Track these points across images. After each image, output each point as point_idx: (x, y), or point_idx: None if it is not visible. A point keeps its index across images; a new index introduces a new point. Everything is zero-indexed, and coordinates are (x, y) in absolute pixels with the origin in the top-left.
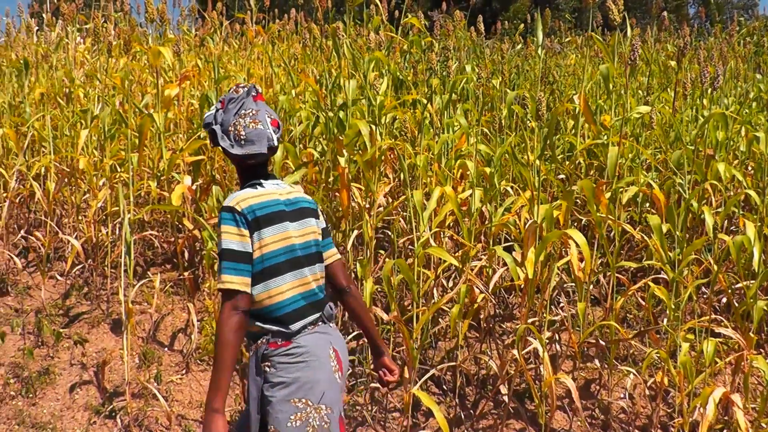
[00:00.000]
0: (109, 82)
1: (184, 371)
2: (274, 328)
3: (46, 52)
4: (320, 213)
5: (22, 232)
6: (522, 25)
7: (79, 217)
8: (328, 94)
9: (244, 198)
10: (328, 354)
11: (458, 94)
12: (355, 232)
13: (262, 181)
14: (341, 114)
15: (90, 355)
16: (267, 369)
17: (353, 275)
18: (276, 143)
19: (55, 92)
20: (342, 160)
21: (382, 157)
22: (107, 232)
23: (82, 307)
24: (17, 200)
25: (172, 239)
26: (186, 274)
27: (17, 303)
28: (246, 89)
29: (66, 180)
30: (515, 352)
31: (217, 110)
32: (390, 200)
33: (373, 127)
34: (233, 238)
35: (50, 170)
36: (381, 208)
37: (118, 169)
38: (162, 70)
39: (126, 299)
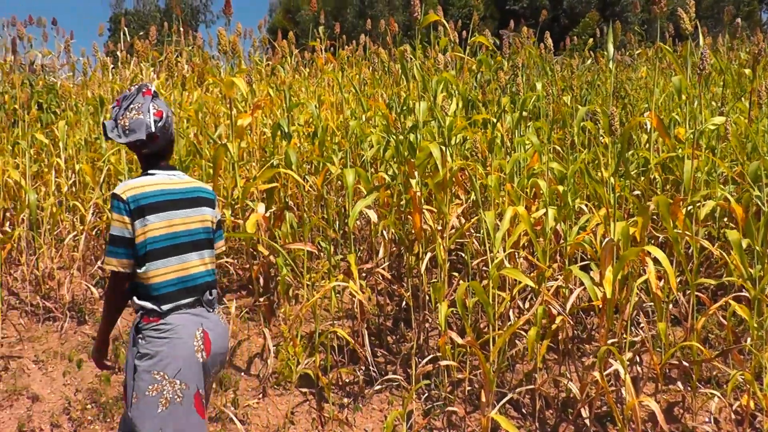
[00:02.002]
0: (183, 114)
1: (260, 396)
2: (149, 305)
3: (121, 89)
4: (216, 205)
5: (99, 263)
6: (591, 40)
7: None
8: (398, 117)
9: (132, 187)
10: (194, 334)
11: (529, 112)
12: (429, 254)
13: (155, 171)
14: (412, 137)
15: None
16: (139, 340)
17: (427, 298)
18: (155, 130)
19: None
20: (413, 183)
21: (453, 179)
22: None
23: None
24: (93, 232)
25: (247, 266)
26: (262, 299)
27: (94, 331)
28: (137, 87)
29: None
30: (596, 374)
31: (113, 107)
32: (462, 222)
33: (444, 148)
34: (116, 224)
35: None
36: (453, 230)
37: None
38: (235, 100)
39: None
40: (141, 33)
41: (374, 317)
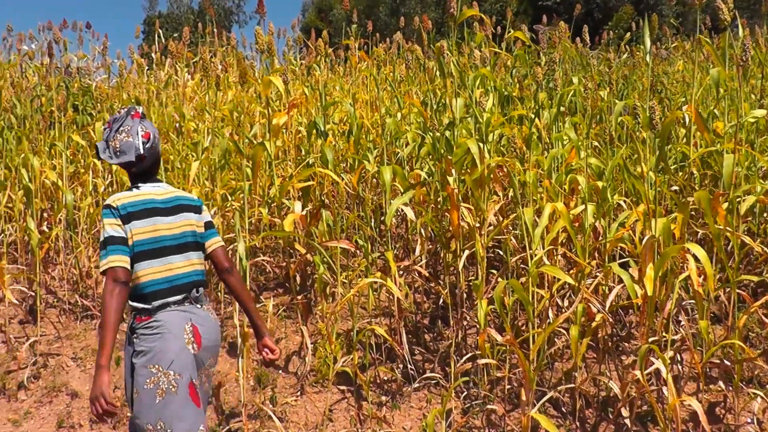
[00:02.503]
0: (218, 114)
1: (299, 393)
2: (140, 305)
3: (157, 90)
4: (204, 209)
5: None
6: (627, 34)
7: None
8: (433, 114)
9: (120, 198)
10: (183, 329)
11: (566, 107)
12: (466, 252)
13: (140, 184)
14: (448, 133)
15: None
16: (134, 340)
17: (464, 296)
18: (143, 151)
19: (165, 127)
20: (451, 180)
21: (491, 175)
22: None
23: None
24: None
25: (283, 264)
26: (299, 297)
27: None
28: (126, 110)
29: None
30: (637, 373)
31: (104, 129)
32: (500, 218)
33: (481, 144)
34: (111, 226)
35: None
36: (491, 227)
37: (229, 198)
38: (270, 99)
39: (242, 324)
40: (175, 35)
41: (411, 315)
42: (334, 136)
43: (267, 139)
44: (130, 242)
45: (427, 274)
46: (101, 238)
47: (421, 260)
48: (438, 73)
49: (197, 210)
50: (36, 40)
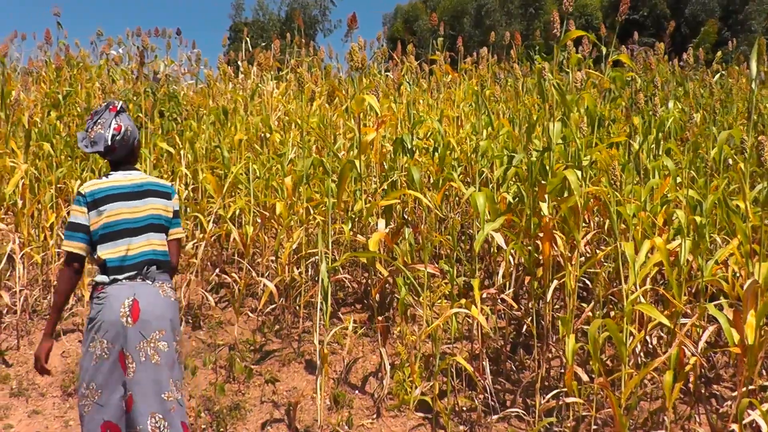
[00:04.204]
0: (305, 126)
1: (374, 416)
2: (98, 278)
3: (244, 100)
4: (174, 197)
5: (216, 270)
6: (719, 53)
7: (272, 258)
8: (524, 135)
9: (91, 185)
10: (123, 302)
11: (665, 133)
12: (555, 282)
13: (113, 172)
14: (541, 157)
15: (281, 394)
16: (92, 306)
17: (547, 329)
18: (110, 143)
19: (250, 137)
20: (544, 207)
21: (587, 204)
22: (300, 273)
23: (273, 345)
24: (212, 240)
25: (362, 280)
26: (379, 319)
27: (209, 338)
28: (106, 104)
29: (261, 222)
30: (734, 427)
31: (87, 120)
32: (591, 249)
33: (579, 172)
34: (75, 213)
35: (247, 213)
36: (583, 258)
37: (311, 212)
38: (362, 115)
39: (322, 344)
40: (263, 44)
41: (493, 341)
42: (418, 151)
43: (355, 155)
44: (95, 226)
45: (514, 304)
46: (67, 222)
47: (507, 288)
48: (537, 94)
49: (167, 196)
50: (124, 46)
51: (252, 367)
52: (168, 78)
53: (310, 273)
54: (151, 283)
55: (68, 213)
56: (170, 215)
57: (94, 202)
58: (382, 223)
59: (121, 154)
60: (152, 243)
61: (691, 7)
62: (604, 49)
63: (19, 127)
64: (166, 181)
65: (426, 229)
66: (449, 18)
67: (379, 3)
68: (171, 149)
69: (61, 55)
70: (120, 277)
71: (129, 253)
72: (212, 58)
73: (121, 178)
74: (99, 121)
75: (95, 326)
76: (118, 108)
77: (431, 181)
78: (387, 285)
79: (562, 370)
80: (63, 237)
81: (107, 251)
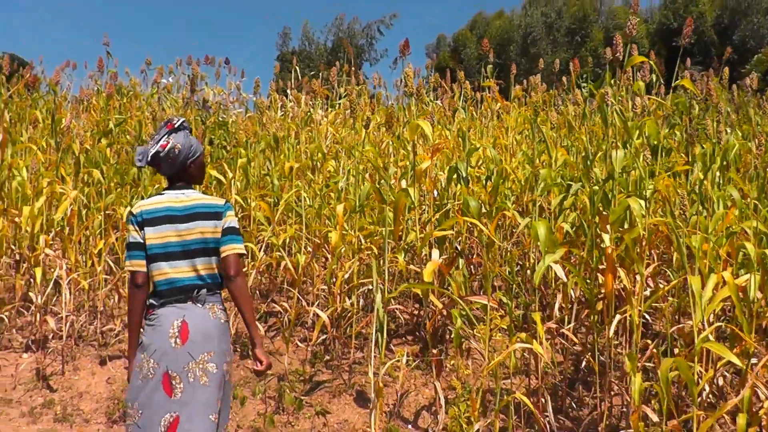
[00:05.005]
0: (358, 155)
1: None
2: (150, 300)
3: (296, 127)
4: (226, 215)
5: (268, 300)
6: None
7: (323, 287)
8: (581, 163)
9: (141, 204)
10: (172, 323)
11: (729, 162)
12: (617, 317)
13: (166, 191)
14: (603, 186)
15: (331, 426)
16: (144, 327)
17: (603, 366)
18: (150, 159)
19: (302, 164)
20: (606, 238)
21: (653, 236)
22: (351, 303)
23: (323, 376)
24: (262, 268)
25: (413, 311)
26: (434, 352)
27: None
28: (165, 121)
29: (313, 251)
30: None
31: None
32: (652, 282)
33: (642, 202)
34: (131, 232)
35: (299, 242)
36: (646, 292)
37: (362, 241)
38: (415, 142)
39: (377, 377)
40: (311, 73)
41: (550, 376)
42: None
43: (409, 184)
44: (145, 245)
45: (575, 339)
46: (125, 242)
47: (566, 321)
48: (599, 121)
49: (216, 216)
50: (174, 75)
51: (302, 398)
52: (218, 106)
53: (361, 304)
54: (201, 305)
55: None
56: (219, 236)
57: (142, 223)
58: (436, 253)
59: (169, 172)
60: (197, 268)
61: (739, 33)
62: (654, 76)
63: (69, 155)
64: (219, 200)
65: (486, 260)
66: (495, 46)
67: (422, 34)
68: (221, 176)
69: (111, 84)
70: (169, 299)
71: (176, 276)
72: (261, 86)
73: (172, 198)
74: (155, 136)
75: (145, 347)
76: (175, 125)
77: (483, 210)
78: (438, 316)
79: (624, 409)
80: (125, 258)
81: (155, 272)
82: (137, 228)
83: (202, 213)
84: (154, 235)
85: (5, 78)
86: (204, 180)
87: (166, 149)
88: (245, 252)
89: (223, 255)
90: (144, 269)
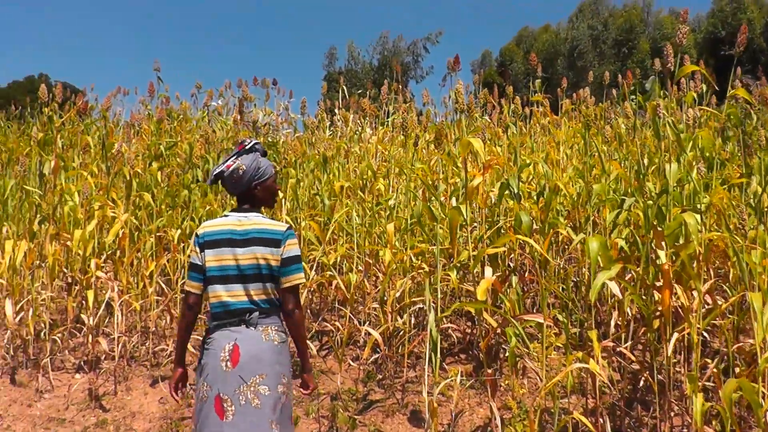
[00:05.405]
0: (409, 173)
1: None
2: (208, 322)
3: (345, 147)
4: (286, 243)
5: (320, 318)
6: None
7: (375, 306)
8: (634, 177)
9: (205, 226)
10: (224, 347)
11: None
12: (675, 335)
13: (231, 213)
14: (657, 200)
15: None
16: (201, 350)
17: (661, 386)
18: (213, 179)
19: (352, 183)
20: (662, 254)
21: (710, 251)
22: (403, 321)
23: (376, 395)
24: (314, 287)
25: (466, 329)
26: (489, 371)
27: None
28: (239, 141)
29: (365, 270)
30: None
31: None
32: (709, 299)
33: (698, 216)
34: (192, 253)
35: (350, 261)
36: (704, 309)
37: (413, 259)
38: (467, 160)
39: (431, 396)
40: (358, 92)
41: (608, 396)
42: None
43: (460, 201)
44: (204, 267)
45: (633, 357)
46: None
47: (624, 340)
48: (653, 134)
49: (275, 243)
50: (223, 97)
51: (355, 417)
52: (268, 127)
53: (413, 322)
54: (254, 328)
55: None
56: (277, 263)
57: (203, 244)
58: (489, 270)
59: (234, 192)
60: (251, 293)
61: None
62: (704, 86)
63: (120, 179)
64: (281, 225)
65: (541, 278)
66: (542, 60)
67: (466, 50)
68: None
69: (162, 108)
70: (222, 321)
71: (230, 300)
72: (309, 106)
73: (234, 222)
74: (226, 156)
75: (201, 369)
76: (246, 146)
77: (535, 226)
78: (491, 334)
79: (684, 430)
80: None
81: (211, 294)
82: (198, 249)
83: (259, 239)
84: (212, 258)
85: (57, 105)
86: (274, 204)
87: (230, 170)
88: (305, 280)
89: (282, 286)
90: (197, 291)
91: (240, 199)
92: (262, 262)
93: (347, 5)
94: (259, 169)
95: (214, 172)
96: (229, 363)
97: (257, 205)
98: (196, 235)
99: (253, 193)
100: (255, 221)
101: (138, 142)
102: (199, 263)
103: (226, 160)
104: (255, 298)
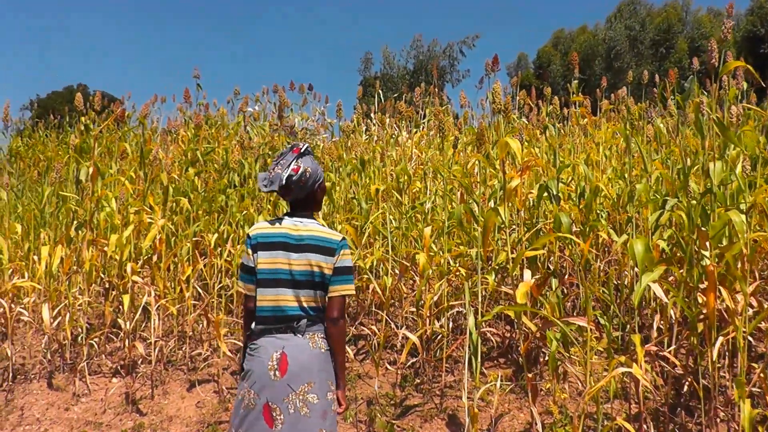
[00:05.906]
0: (447, 175)
1: None
2: (253, 326)
3: (381, 150)
4: (340, 253)
5: (356, 322)
6: None
7: (412, 309)
8: (676, 177)
9: (258, 228)
10: (271, 355)
11: None
12: (720, 338)
13: (285, 218)
14: (701, 200)
15: None
16: (245, 355)
17: (706, 391)
18: (285, 183)
19: (388, 187)
20: (707, 255)
21: (756, 252)
22: (441, 325)
23: (413, 399)
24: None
25: (504, 333)
26: (529, 376)
27: (348, 391)
28: (291, 146)
29: (401, 273)
30: None
31: (272, 162)
32: (755, 301)
33: (743, 216)
34: (244, 255)
35: (387, 264)
36: (750, 312)
37: (450, 263)
38: (504, 162)
39: (471, 401)
40: (394, 95)
41: (651, 401)
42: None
43: (499, 203)
44: (256, 269)
45: (677, 362)
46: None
47: (667, 343)
48: (697, 132)
49: (329, 252)
50: (260, 103)
51: (393, 422)
52: (306, 131)
53: (450, 325)
54: (301, 335)
55: None
56: (329, 272)
57: (255, 246)
58: (528, 273)
59: (298, 196)
60: (301, 299)
61: None
62: (745, 84)
63: (157, 185)
64: (336, 235)
65: (583, 280)
66: (580, 61)
67: (501, 53)
68: None
69: (200, 114)
70: (271, 327)
71: (279, 305)
72: (345, 111)
73: (289, 226)
74: (281, 162)
75: (246, 375)
76: (302, 150)
77: (575, 228)
78: (530, 337)
79: None
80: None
81: (260, 297)
82: (251, 251)
83: (314, 245)
84: (265, 260)
85: (96, 114)
86: (321, 206)
87: (299, 173)
88: (353, 293)
89: (330, 295)
90: (251, 293)
91: (295, 204)
92: (315, 269)
93: (380, 11)
94: (318, 170)
95: (284, 177)
96: (277, 372)
97: (314, 208)
98: (248, 237)
99: (314, 195)
100: (311, 227)
101: (175, 149)
102: (252, 265)
103: (288, 165)
104: (305, 304)
